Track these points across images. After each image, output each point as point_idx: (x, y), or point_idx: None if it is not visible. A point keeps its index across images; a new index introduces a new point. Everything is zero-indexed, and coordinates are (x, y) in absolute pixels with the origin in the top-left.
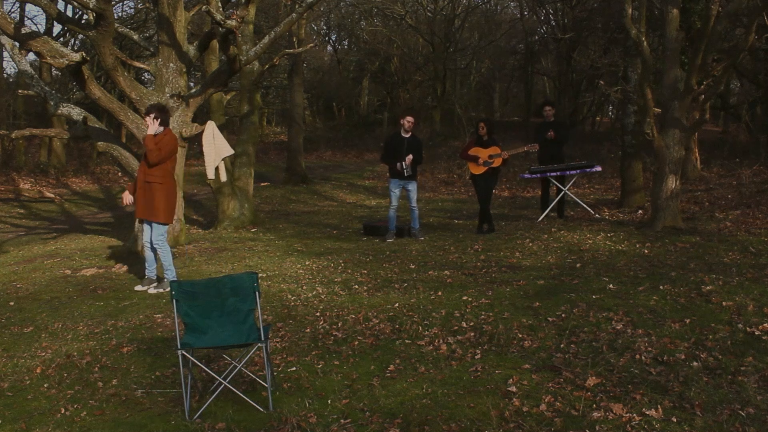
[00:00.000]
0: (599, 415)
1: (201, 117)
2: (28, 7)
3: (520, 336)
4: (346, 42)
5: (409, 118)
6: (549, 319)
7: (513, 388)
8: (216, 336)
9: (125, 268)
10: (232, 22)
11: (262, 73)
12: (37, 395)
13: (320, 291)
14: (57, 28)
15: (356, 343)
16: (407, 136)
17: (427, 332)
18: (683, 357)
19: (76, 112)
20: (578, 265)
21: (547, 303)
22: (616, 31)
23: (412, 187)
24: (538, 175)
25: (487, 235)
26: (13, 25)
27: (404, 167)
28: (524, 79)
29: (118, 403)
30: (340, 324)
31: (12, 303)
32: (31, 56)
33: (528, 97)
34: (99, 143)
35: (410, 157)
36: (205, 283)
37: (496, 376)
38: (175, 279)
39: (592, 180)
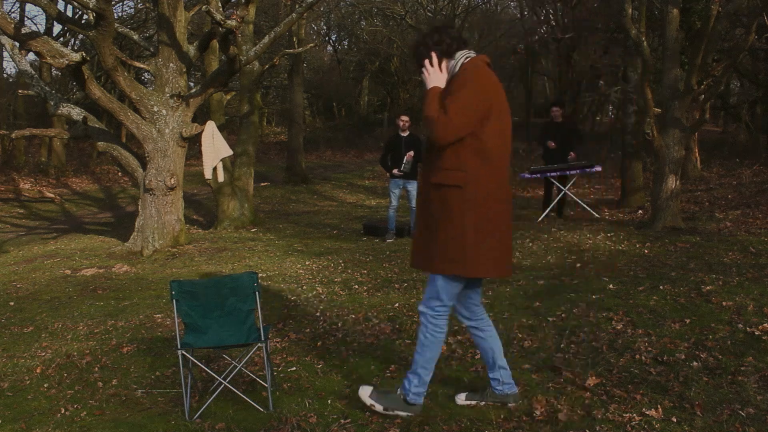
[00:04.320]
0: (599, 415)
1: (201, 117)
2: (28, 7)
3: (520, 336)
4: (346, 42)
5: (404, 117)
6: (549, 319)
7: None
8: (216, 336)
9: (125, 268)
10: (232, 22)
11: (262, 73)
12: (37, 395)
13: (320, 291)
14: (57, 28)
15: (356, 343)
16: (405, 135)
17: None
18: (683, 357)
19: (76, 112)
20: (578, 265)
21: (547, 303)
22: (616, 31)
23: (412, 187)
24: (538, 175)
25: None
26: (13, 25)
27: (404, 163)
28: (524, 79)
29: (118, 403)
30: (340, 324)
31: (12, 303)
32: (31, 56)
33: (528, 97)
34: (99, 143)
35: (411, 153)
36: (205, 283)
37: None
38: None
39: (592, 180)
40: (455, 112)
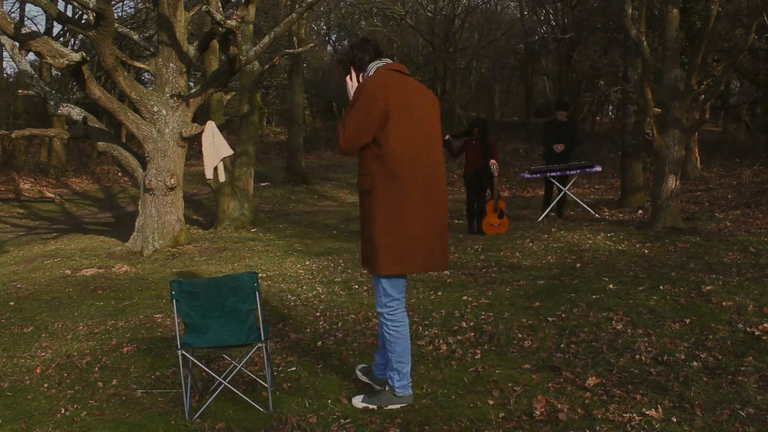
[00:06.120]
0: (599, 415)
1: (201, 117)
2: (28, 7)
3: (520, 336)
4: (346, 42)
5: None
6: (549, 319)
7: (513, 388)
8: (216, 336)
9: (125, 268)
10: (232, 22)
11: (262, 73)
12: (37, 395)
13: (320, 291)
14: (57, 28)
15: (356, 343)
16: None
17: (427, 332)
18: (683, 357)
19: (76, 112)
20: (578, 265)
21: (547, 303)
22: (616, 31)
23: None
24: (539, 175)
25: (487, 235)
26: (13, 25)
27: None
28: (524, 79)
29: (118, 403)
30: (340, 324)
31: (12, 303)
32: (31, 56)
33: (528, 97)
34: (99, 143)
35: None
36: (205, 283)
37: (496, 376)
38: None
39: (592, 180)
40: (349, 125)
